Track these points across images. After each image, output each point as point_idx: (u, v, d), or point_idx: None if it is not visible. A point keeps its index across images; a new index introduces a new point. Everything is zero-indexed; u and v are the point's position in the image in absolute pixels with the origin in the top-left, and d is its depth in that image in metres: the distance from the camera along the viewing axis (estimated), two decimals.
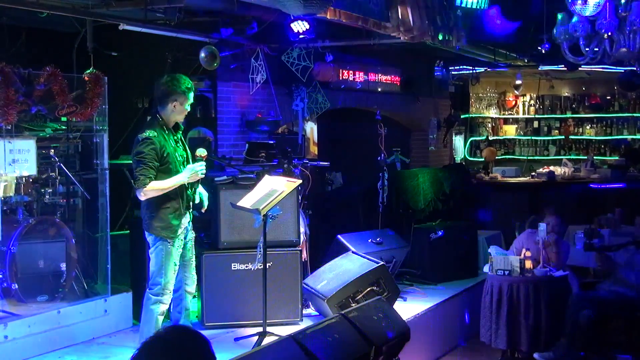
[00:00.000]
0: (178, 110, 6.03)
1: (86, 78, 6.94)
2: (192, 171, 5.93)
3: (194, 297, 6.64)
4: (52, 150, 7.07)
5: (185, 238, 6.15)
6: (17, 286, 6.65)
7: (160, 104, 6.04)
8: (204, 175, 6.05)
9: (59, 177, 7.16)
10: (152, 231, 5.94)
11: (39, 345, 6.45)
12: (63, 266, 6.97)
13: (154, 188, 5.80)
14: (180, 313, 6.29)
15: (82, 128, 7.34)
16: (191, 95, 6.10)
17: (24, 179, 6.70)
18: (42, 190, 7.06)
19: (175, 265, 6.01)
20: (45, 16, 7.43)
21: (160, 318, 6.03)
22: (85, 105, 6.87)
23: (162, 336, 2.68)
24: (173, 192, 5.91)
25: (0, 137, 6.23)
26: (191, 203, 6.13)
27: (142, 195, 5.83)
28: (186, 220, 6.08)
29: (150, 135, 5.85)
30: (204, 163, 6.03)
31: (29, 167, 6.54)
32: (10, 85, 6.21)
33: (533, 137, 17.49)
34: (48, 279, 6.92)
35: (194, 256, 6.32)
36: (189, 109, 6.16)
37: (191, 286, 6.28)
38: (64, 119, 7.04)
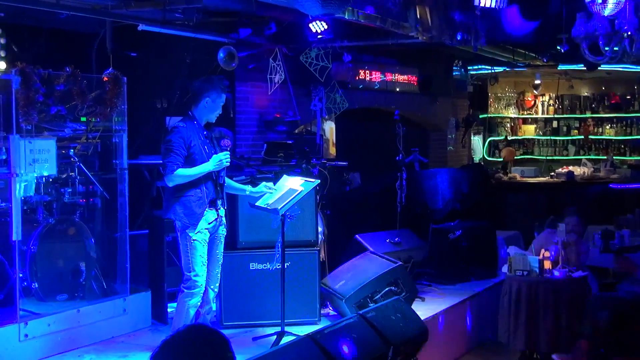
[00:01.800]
0: (210, 107, 6.18)
1: (105, 79, 6.97)
2: (217, 159, 6.04)
3: None
4: (72, 150, 7.12)
5: (214, 234, 6.21)
6: (37, 285, 6.70)
7: (194, 101, 6.21)
8: (229, 164, 6.16)
9: (78, 177, 7.20)
10: (175, 215, 6.06)
11: (58, 344, 6.49)
12: (82, 265, 7.02)
13: (181, 174, 5.95)
14: (204, 310, 6.34)
15: (102, 128, 7.37)
16: (223, 95, 6.27)
17: (43, 178, 6.74)
18: (62, 190, 7.10)
19: (202, 258, 6.08)
20: (65, 17, 7.48)
21: (192, 311, 6.13)
22: (105, 105, 6.91)
23: (183, 335, 2.69)
24: (197, 181, 6.03)
25: (20, 137, 6.27)
26: (218, 196, 6.19)
27: (170, 182, 6.00)
28: (213, 214, 6.14)
29: (179, 125, 6.07)
30: (228, 153, 6.16)
31: (49, 167, 6.57)
32: (30, 86, 6.25)
33: (552, 137, 17.42)
34: (68, 278, 6.97)
35: (221, 254, 6.36)
36: (220, 109, 6.28)
37: (214, 284, 6.32)
38: (83, 119, 7.07)
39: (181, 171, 5.95)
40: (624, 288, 8.16)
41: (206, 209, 6.07)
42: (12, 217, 6.17)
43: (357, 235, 8.68)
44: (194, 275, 6.05)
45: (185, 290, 6.10)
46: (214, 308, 6.52)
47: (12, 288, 6.35)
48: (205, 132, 6.20)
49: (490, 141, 17.35)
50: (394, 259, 7.76)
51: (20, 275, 6.45)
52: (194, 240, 6.02)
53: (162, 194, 7.12)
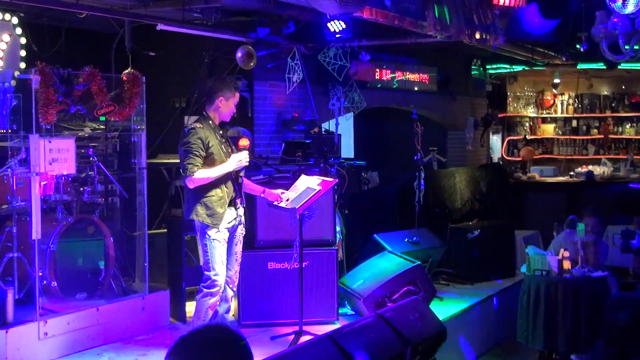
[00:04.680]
0: (224, 107, 6.22)
1: (124, 78, 7.00)
2: (237, 159, 6.07)
3: None
4: (92, 149, 7.16)
5: (233, 233, 6.23)
6: (56, 284, 6.74)
7: (208, 101, 6.26)
8: (247, 164, 6.19)
9: (97, 176, 7.24)
10: (198, 217, 6.07)
11: (77, 342, 6.53)
12: (101, 264, 7.05)
13: (201, 176, 5.97)
14: (223, 309, 6.35)
15: (121, 127, 7.42)
16: (237, 94, 6.31)
17: (63, 178, 6.78)
18: (81, 189, 7.14)
19: (222, 257, 6.11)
20: (84, 17, 7.51)
21: (210, 311, 6.15)
22: (124, 104, 6.94)
23: (200, 333, 2.69)
24: (217, 181, 6.05)
25: (40, 136, 6.30)
26: (237, 195, 6.21)
27: (191, 183, 6.01)
28: (232, 213, 6.17)
29: (196, 126, 6.08)
30: (247, 152, 6.19)
31: (68, 166, 6.61)
32: (49, 85, 6.29)
33: (572, 137, 17.31)
34: (87, 277, 7.00)
35: (239, 253, 6.38)
36: (234, 109, 6.31)
37: (233, 284, 6.34)
38: (102, 118, 7.11)
39: (201, 172, 5.97)
40: None
41: (227, 208, 6.10)
42: (31, 216, 6.21)
43: (375, 235, 8.66)
44: (214, 275, 6.07)
45: (204, 290, 6.12)
46: (232, 307, 6.54)
47: (32, 286, 6.39)
48: (220, 132, 6.22)
49: (509, 140, 17.26)
50: (412, 258, 7.74)
51: (40, 273, 6.49)
52: (214, 239, 6.04)
53: (181, 193, 7.16)
